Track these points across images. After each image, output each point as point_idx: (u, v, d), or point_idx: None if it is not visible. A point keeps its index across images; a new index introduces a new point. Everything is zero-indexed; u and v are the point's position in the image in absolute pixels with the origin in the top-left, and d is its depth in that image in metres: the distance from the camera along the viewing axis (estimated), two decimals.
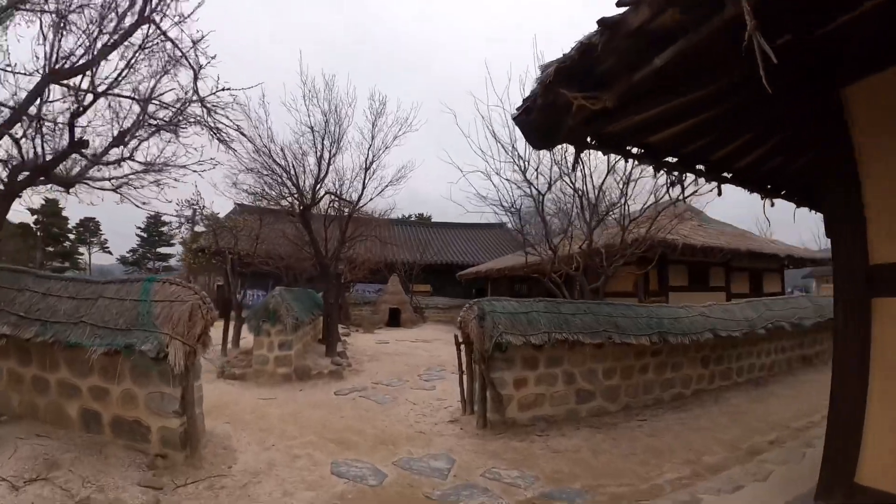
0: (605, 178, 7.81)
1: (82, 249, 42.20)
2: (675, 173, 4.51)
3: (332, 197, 9.86)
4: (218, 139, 5.92)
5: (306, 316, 8.87)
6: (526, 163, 8.03)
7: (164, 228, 35.32)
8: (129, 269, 42.26)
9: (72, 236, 40.62)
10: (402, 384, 7.90)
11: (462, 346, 5.87)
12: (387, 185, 10.80)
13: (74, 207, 46.65)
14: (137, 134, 5.76)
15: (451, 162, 7.91)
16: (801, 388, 7.30)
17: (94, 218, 42.49)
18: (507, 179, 8.07)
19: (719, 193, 5.26)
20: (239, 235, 12.40)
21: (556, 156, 7.73)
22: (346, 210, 10.17)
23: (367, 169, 10.55)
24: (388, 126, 10.66)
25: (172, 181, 6.62)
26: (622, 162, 8.15)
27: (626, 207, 7.80)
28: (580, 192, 7.91)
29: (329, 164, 9.58)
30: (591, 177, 7.91)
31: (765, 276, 15.60)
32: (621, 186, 7.76)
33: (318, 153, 9.60)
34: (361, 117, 10.15)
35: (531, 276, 17.29)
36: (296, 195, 9.15)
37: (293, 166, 9.52)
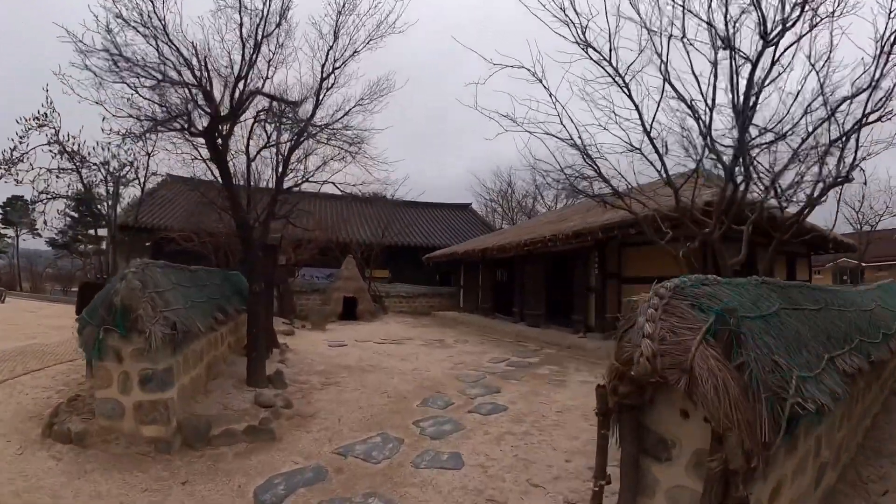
0: (769, 70, 4.34)
1: (9, 232, 37.74)
2: None
3: (267, 103, 5.60)
4: None
5: (206, 316, 4.69)
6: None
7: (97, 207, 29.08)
8: (59, 253, 37.73)
9: None
10: (392, 453, 4.05)
11: (616, 416, 2.12)
12: (355, 105, 6.72)
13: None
14: None
15: (470, 49, 4.03)
16: None
17: (23, 196, 35.75)
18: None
19: None
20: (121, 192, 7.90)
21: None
22: (287, 129, 5.98)
23: (324, 78, 6.52)
24: (362, 18, 6.70)
25: None
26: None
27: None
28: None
29: (257, 50, 5.41)
30: (738, 73, 4.43)
31: (797, 260, 13.67)
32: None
33: (245, 30, 5.42)
34: (320, 9, 5.69)
35: (528, 256, 13.43)
36: (194, 86, 4.77)
37: (201, 54, 5.28)
